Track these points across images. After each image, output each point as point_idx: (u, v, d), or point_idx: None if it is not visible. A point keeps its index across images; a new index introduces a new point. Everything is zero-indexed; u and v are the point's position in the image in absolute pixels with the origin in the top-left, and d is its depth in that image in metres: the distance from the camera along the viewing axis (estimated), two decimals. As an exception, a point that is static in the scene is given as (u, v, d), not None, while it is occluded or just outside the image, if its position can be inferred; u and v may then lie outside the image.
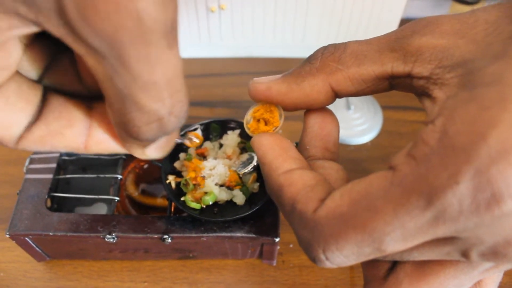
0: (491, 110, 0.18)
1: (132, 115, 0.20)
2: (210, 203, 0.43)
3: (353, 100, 0.67)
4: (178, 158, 0.47)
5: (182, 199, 0.44)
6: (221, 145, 0.47)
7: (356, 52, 0.25)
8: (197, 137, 0.33)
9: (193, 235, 0.44)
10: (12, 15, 0.17)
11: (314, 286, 0.51)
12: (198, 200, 0.43)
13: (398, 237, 0.20)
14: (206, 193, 0.43)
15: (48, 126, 0.22)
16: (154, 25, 0.17)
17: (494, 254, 0.20)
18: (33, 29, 0.18)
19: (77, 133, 0.23)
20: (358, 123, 0.64)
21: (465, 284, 0.24)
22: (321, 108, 0.28)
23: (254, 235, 0.45)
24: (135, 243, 0.47)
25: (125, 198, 0.54)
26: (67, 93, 0.24)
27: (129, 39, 0.16)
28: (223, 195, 0.44)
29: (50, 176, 0.49)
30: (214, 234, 0.44)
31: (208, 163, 0.45)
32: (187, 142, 0.32)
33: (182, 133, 0.41)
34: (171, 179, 0.45)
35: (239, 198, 0.44)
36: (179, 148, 0.47)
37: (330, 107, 0.28)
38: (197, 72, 0.72)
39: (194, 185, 0.44)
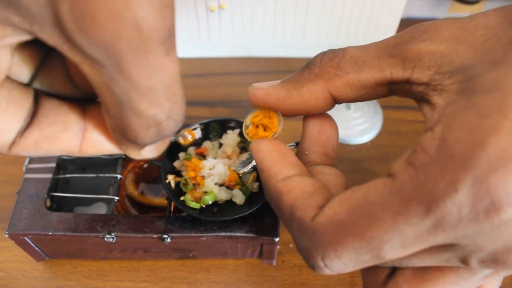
0: (490, 117, 0.18)
1: (131, 121, 0.20)
2: (210, 202, 0.43)
3: (353, 99, 0.66)
4: (177, 158, 0.47)
5: (181, 198, 0.44)
6: (220, 145, 0.47)
7: (355, 58, 0.25)
8: (190, 133, 0.33)
9: (193, 234, 0.44)
10: (5, 25, 0.17)
11: (314, 286, 0.51)
12: (197, 200, 0.43)
13: (397, 245, 0.20)
14: (205, 192, 0.43)
15: (42, 131, 0.22)
16: (153, 33, 0.17)
17: (493, 261, 0.20)
18: (26, 38, 0.18)
19: (72, 137, 0.23)
20: (358, 123, 0.64)
21: None
22: (320, 113, 0.28)
23: (253, 235, 0.44)
24: (134, 243, 0.47)
25: (124, 197, 0.54)
26: (59, 96, 0.23)
27: (128, 48, 0.16)
28: (222, 195, 0.44)
29: (50, 175, 0.49)
30: (214, 234, 0.44)
31: (208, 163, 0.44)
32: (180, 140, 0.32)
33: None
34: (171, 178, 0.45)
35: (239, 197, 0.44)
36: (179, 147, 0.46)
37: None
38: (197, 71, 0.72)
39: (194, 184, 0.44)
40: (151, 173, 0.56)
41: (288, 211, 0.24)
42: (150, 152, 0.24)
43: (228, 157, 0.46)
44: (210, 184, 0.43)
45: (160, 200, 0.54)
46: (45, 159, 0.50)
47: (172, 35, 0.18)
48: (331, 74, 0.26)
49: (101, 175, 0.51)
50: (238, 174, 0.44)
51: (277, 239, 0.45)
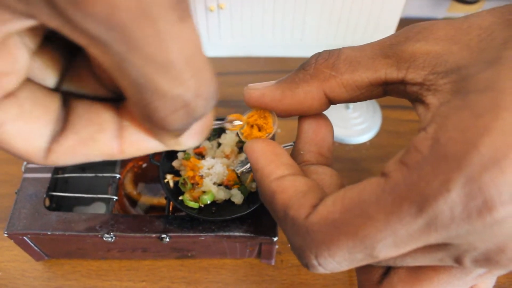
0: (483, 117, 0.18)
1: (155, 105, 0.17)
2: (208, 202, 0.43)
3: (352, 99, 0.66)
4: (176, 157, 0.47)
5: (180, 198, 0.44)
6: (219, 144, 0.47)
7: (350, 58, 0.25)
8: (239, 119, 0.30)
9: (191, 234, 0.45)
10: (2, 8, 0.15)
11: (313, 286, 0.51)
12: (196, 199, 0.44)
13: (390, 244, 0.20)
14: (204, 192, 0.44)
15: (77, 134, 0.20)
16: None
17: (486, 260, 0.20)
18: (29, 23, 0.16)
19: (110, 137, 0.21)
20: (357, 122, 0.64)
21: None
22: (315, 114, 0.28)
23: (252, 235, 0.45)
24: (133, 243, 0.47)
25: (123, 197, 0.54)
26: (91, 98, 0.22)
27: (129, 18, 0.14)
28: (221, 194, 0.44)
29: (49, 175, 0.49)
30: (213, 234, 0.44)
31: (206, 162, 0.45)
32: (228, 126, 0.29)
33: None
34: (169, 178, 0.45)
35: (237, 197, 0.44)
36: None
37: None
38: (196, 71, 0.72)
39: (192, 184, 0.44)
40: (150, 172, 0.56)
41: (282, 210, 0.24)
42: (190, 140, 0.22)
43: (227, 157, 0.46)
44: (208, 184, 0.43)
45: (158, 200, 0.54)
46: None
47: None
48: (326, 74, 0.26)
49: (100, 174, 0.51)
50: (236, 173, 0.44)
51: (275, 239, 0.45)
